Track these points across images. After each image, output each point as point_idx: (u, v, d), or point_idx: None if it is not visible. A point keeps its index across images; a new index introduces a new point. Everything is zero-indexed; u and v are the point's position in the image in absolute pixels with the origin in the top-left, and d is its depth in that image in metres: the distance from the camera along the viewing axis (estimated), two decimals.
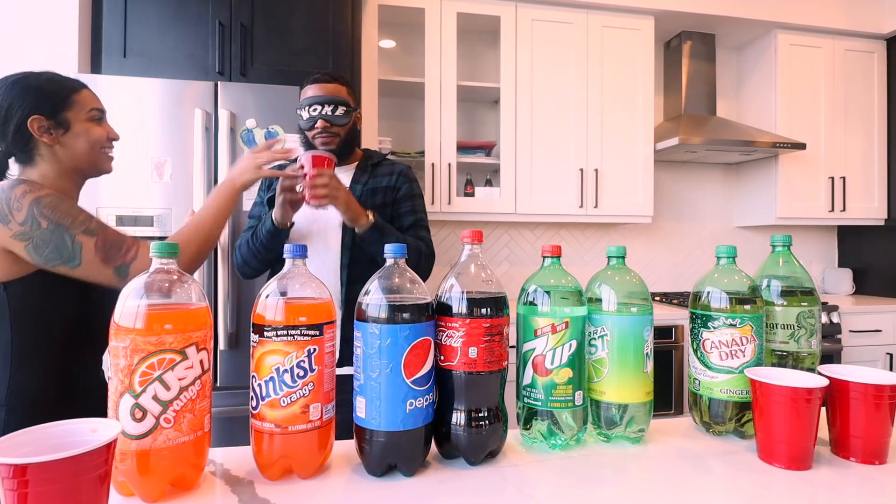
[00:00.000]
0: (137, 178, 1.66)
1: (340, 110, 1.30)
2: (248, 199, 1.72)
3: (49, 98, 0.90)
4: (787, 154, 2.73)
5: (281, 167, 1.46)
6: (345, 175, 1.38)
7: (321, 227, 1.33)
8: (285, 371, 0.63)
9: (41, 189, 0.86)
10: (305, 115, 1.31)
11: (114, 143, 1.00)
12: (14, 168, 0.93)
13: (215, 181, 1.70)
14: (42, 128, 0.89)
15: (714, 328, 0.79)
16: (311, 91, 1.32)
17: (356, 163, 1.41)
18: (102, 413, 0.68)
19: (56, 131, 0.90)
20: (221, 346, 1.68)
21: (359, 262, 1.30)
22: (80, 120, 0.93)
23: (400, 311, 0.65)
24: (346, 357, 1.24)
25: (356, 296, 1.28)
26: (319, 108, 1.29)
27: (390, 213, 1.36)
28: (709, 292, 0.81)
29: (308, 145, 1.36)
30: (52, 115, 0.90)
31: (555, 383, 0.72)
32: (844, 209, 2.81)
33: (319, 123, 1.29)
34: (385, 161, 1.42)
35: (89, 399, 0.93)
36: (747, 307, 0.79)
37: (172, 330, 0.59)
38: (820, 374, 0.73)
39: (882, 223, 2.90)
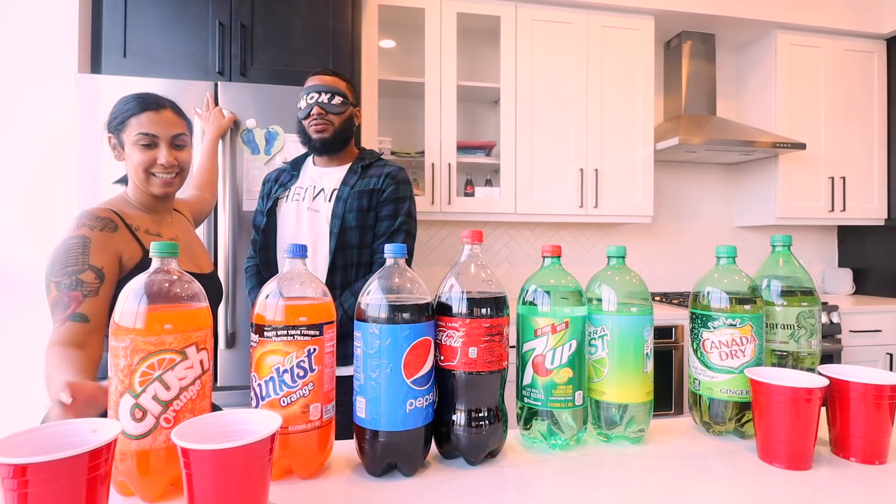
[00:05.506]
0: None
1: (337, 99, 1.33)
2: (251, 200, 1.72)
3: (116, 117, 0.97)
4: (787, 154, 2.73)
5: (281, 171, 1.46)
6: (335, 176, 1.38)
7: (311, 220, 1.34)
8: (285, 371, 0.63)
9: (87, 229, 0.90)
10: (303, 104, 1.34)
11: (170, 168, 0.99)
12: None
13: None
14: (111, 145, 0.98)
15: (714, 328, 0.79)
16: (310, 82, 1.36)
17: (349, 164, 1.40)
18: None
19: (116, 151, 0.97)
20: (221, 345, 1.68)
21: (345, 247, 1.31)
22: (129, 142, 0.98)
23: (400, 311, 0.65)
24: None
25: (339, 282, 1.29)
26: (317, 95, 1.32)
27: (374, 218, 1.34)
28: (709, 292, 0.81)
29: (305, 136, 1.37)
30: (116, 135, 0.98)
31: (555, 383, 0.72)
32: (844, 209, 2.81)
33: (314, 110, 1.32)
34: (378, 162, 1.40)
35: None
36: (747, 307, 0.79)
37: (172, 330, 0.59)
38: (820, 374, 0.73)
39: (882, 223, 2.90)
